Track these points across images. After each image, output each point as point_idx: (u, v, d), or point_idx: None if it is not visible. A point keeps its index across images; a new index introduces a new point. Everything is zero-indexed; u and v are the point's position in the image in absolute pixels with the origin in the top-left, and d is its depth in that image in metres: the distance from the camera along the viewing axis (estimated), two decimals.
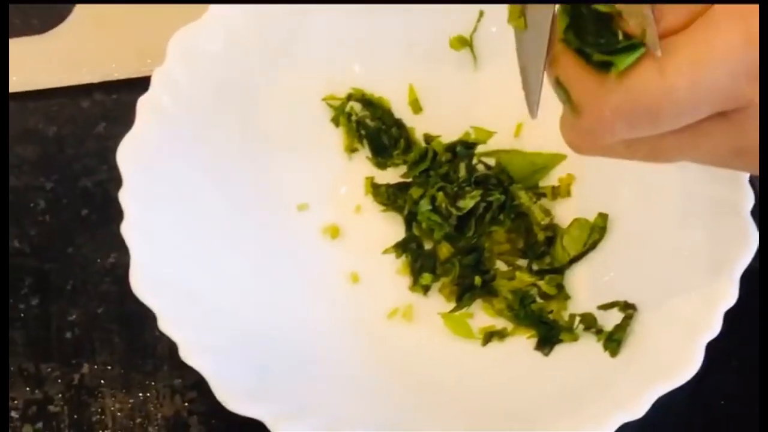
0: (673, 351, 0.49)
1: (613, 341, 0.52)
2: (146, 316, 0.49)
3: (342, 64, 0.61)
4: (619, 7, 0.37)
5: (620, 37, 0.36)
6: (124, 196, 0.52)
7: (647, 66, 0.36)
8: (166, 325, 0.49)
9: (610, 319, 0.54)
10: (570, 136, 0.40)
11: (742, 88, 0.35)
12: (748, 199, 0.51)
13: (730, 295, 0.49)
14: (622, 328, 0.52)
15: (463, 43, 0.62)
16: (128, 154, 0.53)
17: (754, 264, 0.50)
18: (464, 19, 0.61)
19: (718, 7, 0.35)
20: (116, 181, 0.52)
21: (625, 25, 0.36)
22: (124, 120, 0.54)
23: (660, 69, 0.36)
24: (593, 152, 0.40)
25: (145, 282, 0.50)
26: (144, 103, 0.55)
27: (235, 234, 0.56)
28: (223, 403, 0.47)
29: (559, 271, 0.57)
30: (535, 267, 0.58)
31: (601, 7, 0.37)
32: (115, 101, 0.65)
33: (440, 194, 0.59)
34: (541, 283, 0.57)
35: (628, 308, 0.53)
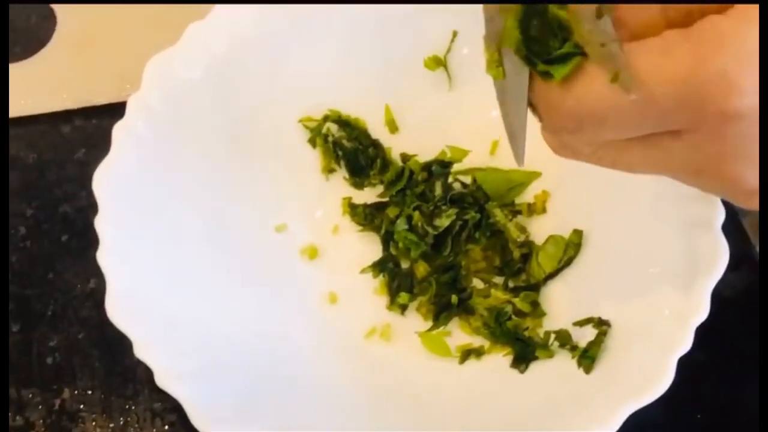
0: (646, 367, 0.49)
1: (587, 358, 0.52)
2: (126, 341, 0.50)
3: (319, 88, 0.62)
4: (569, 14, 0.37)
5: (562, 45, 0.37)
6: (100, 223, 0.53)
7: (594, 76, 0.37)
8: (142, 351, 0.49)
9: (585, 336, 0.54)
10: (543, 136, 0.41)
11: (688, 113, 0.36)
12: (719, 214, 0.52)
13: (701, 311, 0.50)
14: (596, 344, 0.53)
15: (438, 63, 0.62)
16: (103, 181, 0.54)
17: (726, 277, 0.51)
18: (438, 39, 0.62)
19: (672, 32, 0.36)
20: (96, 207, 0.53)
21: (573, 33, 0.37)
22: (104, 146, 0.55)
23: (607, 81, 0.36)
24: (564, 155, 0.42)
25: (121, 309, 0.51)
26: (119, 130, 0.55)
27: (213, 257, 0.56)
28: (200, 430, 0.48)
29: (535, 288, 0.58)
30: (511, 284, 0.58)
31: (554, 11, 0.37)
32: (96, 126, 0.65)
33: (416, 213, 0.59)
34: (516, 300, 0.57)
35: (602, 324, 0.53)
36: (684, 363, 0.49)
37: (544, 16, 0.38)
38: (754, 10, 0.34)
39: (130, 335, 0.50)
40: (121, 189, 0.54)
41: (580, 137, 0.39)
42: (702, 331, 0.50)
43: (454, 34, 0.62)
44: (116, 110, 0.61)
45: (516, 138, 0.42)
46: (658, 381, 0.49)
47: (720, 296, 0.50)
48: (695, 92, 0.35)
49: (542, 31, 0.38)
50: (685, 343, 0.49)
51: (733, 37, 0.34)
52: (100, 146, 0.56)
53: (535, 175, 0.61)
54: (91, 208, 0.53)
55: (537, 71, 0.38)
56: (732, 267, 0.51)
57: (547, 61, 0.37)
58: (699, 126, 0.36)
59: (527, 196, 0.61)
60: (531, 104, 0.40)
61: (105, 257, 0.52)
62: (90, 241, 0.53)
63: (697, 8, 0.36)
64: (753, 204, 0.39)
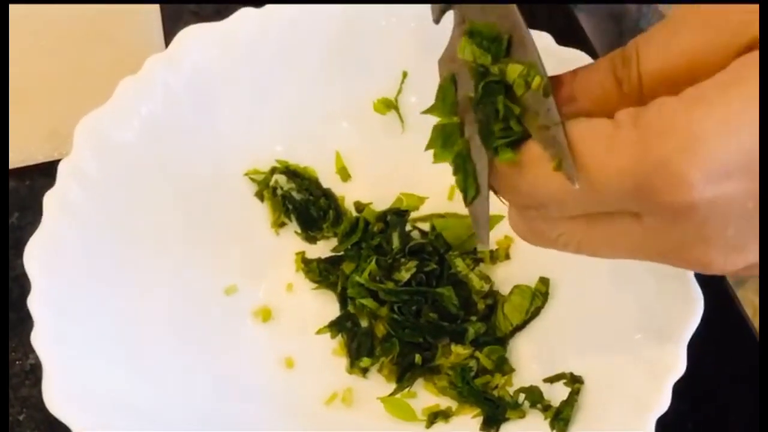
0: (624, 429, 0.47)
1: (561, 420, 0.50)
2: None
3: (264, 139, 0.58)
4: (523, 101, 0.37)
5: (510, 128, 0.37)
6: (33, 303, 0.49)
7: (542, 161, 0.36)
8: None
9: (557, 393, 0.51)
10: (510, 223, 0.41)
11: (639, 202, 0.34)
12: None
13: (678, 366, 0.47)
14: (569, 404, 0.50)
15: (389, 105, 0.59)
16: (35, 256, 0.50)
17: (702, 327, 0.48)
18: (387, 80, 0.59)
19: (623, 115, 0.34)
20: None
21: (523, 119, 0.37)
22: (38, 208, 0.51)
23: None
24: (532, 241, 0.41)
25: (59, 395, 0.47)
26: (50, 198, 0.51)
27: (158, 330, 0.53)
28: None
29: (501, 342, 0.55)
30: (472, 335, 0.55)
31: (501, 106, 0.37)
32: (29, 188, 0.62)
33: (373, 266, 0.56)
34: (479, 355, 0.54)
35: (575, 382, 0.51)
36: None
37: (495, 98, 0.37)
38: (710, 89, 0.33)
39: (70, 425, 0.46)
40: (54, 264, 0.50)
41: (545, 213, 0.38)
42: (679, 382, 0.47)
43: (404, 74, 0.59)
44: (51, 170, 0.57)
45: (480, 220, 0.40)
46: None
47: (695, 340, 0.48)
48: (642, 184, 0.33)
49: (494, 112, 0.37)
50: (662, 402, 0.47)
51: (679, 124, 0.32)
52: (34, 209, 0.52)
53: (496, 220, 0.57)
54: (27, 277, 0.50)
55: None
56: (707, 310, 0.48)
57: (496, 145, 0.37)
58: (653, 212, 0.34)
59: (489, 242, 0.58)
60: (492, 187, 0.39)
61: (39, 339, 0.48)
62: (27, 313, 0.49)
63: (648, 84, 0.35)
64: (732, 275, 0.37)
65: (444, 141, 0.39)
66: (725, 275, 0.40)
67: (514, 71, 0.36)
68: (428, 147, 0.40)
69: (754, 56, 0.33)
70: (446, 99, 0.39)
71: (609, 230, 0.37)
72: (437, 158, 0.40)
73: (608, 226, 0.37)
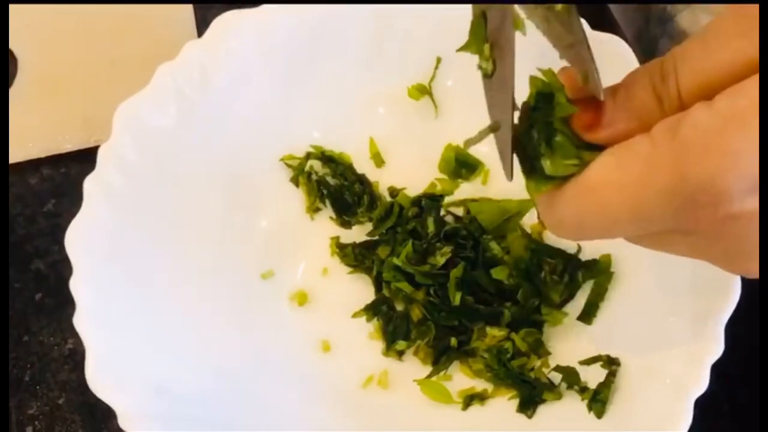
0: (662, 410, 0.47)
1: (598, 401, 0.50)
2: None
3: (299, 124, 0.59)
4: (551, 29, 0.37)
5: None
6: (75, 285, 0.49)
7: (590, 192, 0.37)
8: (127, 423, 0.47)
9: (593, 375, 0.51)
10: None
11: (682, 220, 0.35)
12: None
13: (716, 348, 0.47)
14: (606, 386, 0.50)
15: (423, 91, 0.59)
16: (77, 239, 0.50)
17: (738, 308, 0.48)
18: (421, 66, 0.59)
19: (659, 131, 0.35)
20: (69, 261, 0.50)
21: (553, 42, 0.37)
22: (75, 195, 0.52)
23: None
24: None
25: (102, 377, 0.48)
26: (91, 183, 0.52)
27: (198, 313, 0.53)
28: None
29: (538, 326, 0.55)
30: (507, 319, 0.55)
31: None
32: (64, 175, 0.62)
33: (409, 249, 0.56)
34: (515, 337, 0.54)
35: (611, 364, 0.51)
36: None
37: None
38: (741, 99, 0.33)
39: (114, 406, 0.47)
40: (96, 247, 0.51)
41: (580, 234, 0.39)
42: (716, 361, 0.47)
43: (438, 60, 0.59)
44: (85, 157, 0.59)
45: (504, 152, 0.40)
46: (676, 425, 0.46)
47: (731, 321, 0.48)
48: (684, 202, 0.34)
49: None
50: (700, 384, 0.47)
51: (714, 140, 0.33)
52: (71, 196, 0.53)
53: (530, 204, 0.58)
54: (65, 262, 0.50)
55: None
56: (744, 292, 0.48)
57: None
58: (697, 229, 0.35)
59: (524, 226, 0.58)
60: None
61: (82, 322, 0.49)
62: (65, 298, 0.50)
63: (688, 99, 0.35)
64: None
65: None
66: None
67: None
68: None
69: None
70: (478, 34, 0.40)
71: (663, 241, 0.38)
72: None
73: (662, 240, 0.38)
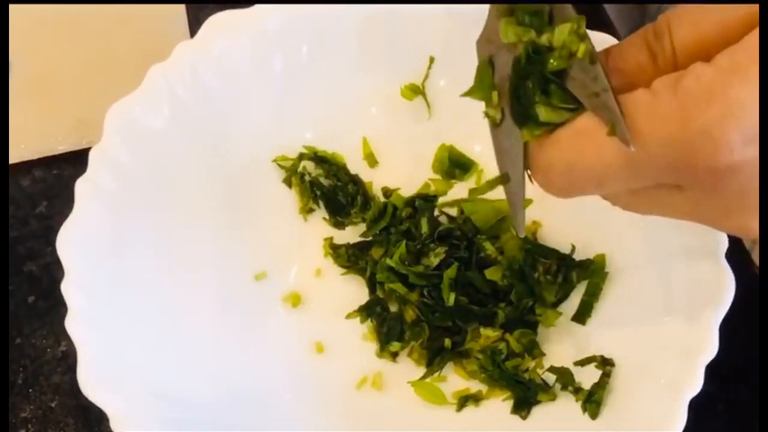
0: (656, 411, 0.47)
1: (593, 402, 0.50)
2: None
3: (292, 125, 0.58)
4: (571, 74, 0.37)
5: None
6: (67, 289, 0.49)
7: (588, 137, 0.36)
8: (119, 425, 0.46)
9: (588, 376, 0.51)
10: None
11: (681, 172, 0.35)
12: (723, 242, 0.49)
13: (710, 347, 0.47)
14: (601, 387, 0.50)
15: (416, 91, 0.59)
16: (68, 242, 0.50)
17: (732, 308, 0.48)
18: (414, 66, 0.59)
19: (661, 84, 0.35)
20: (62, 263, 0.49)
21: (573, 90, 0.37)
22: (67, 197, 0.51)
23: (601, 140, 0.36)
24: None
25: (94, 381, 0.47)
26: (82, 185, 0.51)
27: (190, 315, 0.53)
28: None
29: (532, 326, 0.55)
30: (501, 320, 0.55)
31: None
32: (57, 177, 0.62)
33: (403, 250, 0.56)
34: (509, 338, 0.54)
35: (606, 364, 0.51)
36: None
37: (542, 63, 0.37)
38: (741, 54, 0.33)
39: (105, 409, 0.46)
40: (88, 249, 0.50)
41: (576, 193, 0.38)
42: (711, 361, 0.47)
43: (431, 60, 0.58)
44: (78, 159, 0.58)
45: (515, 206, 0.40)
46: (670, 426, 0.46)
47: (725, 320, 0.48)
48: (686, 151, 0.34)
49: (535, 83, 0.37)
50: (695, 384, 0.47)
51: (718, 91, 0.33)
52: (63, 198, 0.53)
53: (525, 204, 0.58)
54: (57, 264, 0.50)
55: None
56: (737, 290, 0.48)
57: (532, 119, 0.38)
58: (695, 183, 0.35)
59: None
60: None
61: (74, 325, 0.48)
62: (58, 300, 0.49)
63: (683, 55, 0.35)
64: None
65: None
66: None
67: (562, 32, 0.36)
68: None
69: None
70: (484, 81, 0.39)
71: (653, 199, 0.38)
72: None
73: (653, 198, 0.38)
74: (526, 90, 0.37)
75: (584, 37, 0.36)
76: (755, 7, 0.34)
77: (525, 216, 0.41)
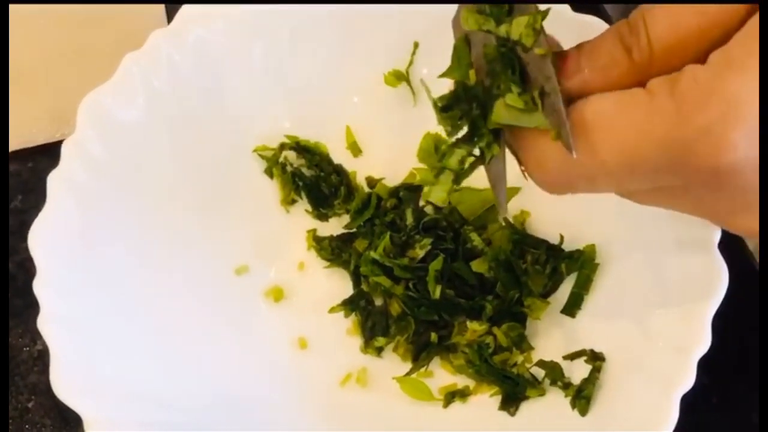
0: (647, 407, 0.46)
1: (582, 398, 0.48)
2: None
3: (272, 114, 0.57)
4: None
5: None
6: (39, 287, 0.47)
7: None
8: (93, 427, 0.45)
9: (577, 371, 0.50)
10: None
11: (681, 173, 0.34)
12: (716, 233, 0.47)
13: (703, 341, 0.46)
14: (590, 382, 0.49)
15: (399, 78, 0.57)
16: (40, 239, 0.49)
17: (726, 301, 0.47)
18: (398, 52, 0.57)
19: (658, 85, 0.34)
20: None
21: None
22: (42, 191, 0.50)
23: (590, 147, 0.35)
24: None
25: (67, 381, 0.46)
26: (55, 179, 0.50)
27: (168, 313, 0.51)
28: None
29: (520, 319, 0.53)
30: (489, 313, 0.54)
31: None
32: (31, 170, 0.60)
33: (387, 242, 0.54)
34: (496, 331, 0.52)
35: (596, 359, 0.49)
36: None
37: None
38: (736, 52, 0.33)
39: (79, 411, 0.45)
40: (60, 246, 0.49)
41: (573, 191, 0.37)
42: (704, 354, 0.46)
43: (416, 45, 0.57)
44: (53, 151, 0.56)
45: (497, 185, 0.39)
46: (662, 422, 0.45)
47: (719, 314, 0.46)
48: (686, 152, 0.33)
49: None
50: (687, 379, 0.45)
51: (716, 91, 0.32)
52: (38, 192, 0.51)
53: (512, 192, 0.56)
54: (33, 261, 0.48)
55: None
56: (730, 281, 0.47)
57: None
58: (697, 183, 0.34)
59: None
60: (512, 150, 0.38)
61: (46, 324, 0.47)
62: (34, 298, 0.48)
63: (660, 48, 0.34)
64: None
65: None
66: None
67: (519, 24, 0.36)
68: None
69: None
70: (461, 60, 0.38)
71: (655, 200, 0.37)
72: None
73: (653, 198, 0.37)
74: (495, 78, 0.37)
75: (539, 33, 0.36)
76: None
77: (506, 194, 0.39)
